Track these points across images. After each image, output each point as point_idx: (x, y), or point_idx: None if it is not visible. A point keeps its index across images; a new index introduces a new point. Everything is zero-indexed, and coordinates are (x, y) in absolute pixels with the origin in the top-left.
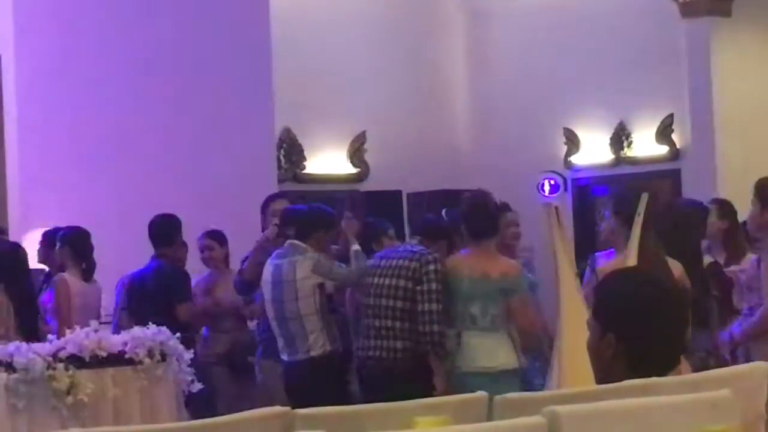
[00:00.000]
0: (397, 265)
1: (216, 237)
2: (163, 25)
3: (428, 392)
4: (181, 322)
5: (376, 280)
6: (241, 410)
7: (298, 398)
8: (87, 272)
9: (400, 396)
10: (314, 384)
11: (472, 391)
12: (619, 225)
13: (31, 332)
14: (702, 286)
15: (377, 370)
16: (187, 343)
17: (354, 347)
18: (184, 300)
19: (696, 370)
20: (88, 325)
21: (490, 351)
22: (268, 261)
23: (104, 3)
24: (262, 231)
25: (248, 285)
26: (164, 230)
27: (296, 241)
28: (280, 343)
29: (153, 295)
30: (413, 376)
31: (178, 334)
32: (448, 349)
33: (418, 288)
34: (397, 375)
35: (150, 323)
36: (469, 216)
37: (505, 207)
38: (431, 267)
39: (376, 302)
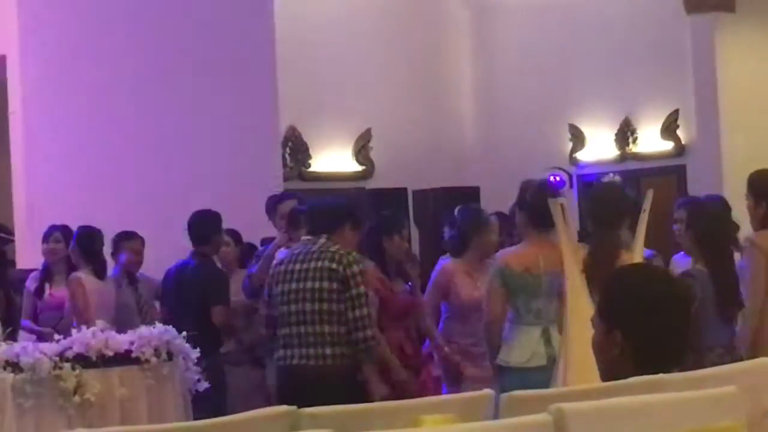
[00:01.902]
0: (316, 267)
1: (230, 235)
2: (166, 24)
3: (361, 397)
4: (215, 323)
5: (293, 285)
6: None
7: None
8: (99, 271)
9: (331, 403)
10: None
11: None
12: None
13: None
14: (729, 282)
15: (306, 379)
16: (217, 341)
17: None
18: (219, 302)
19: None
20: (106, 324)
21: None
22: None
23: (108, 3)
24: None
25: (257, 290)
26: (199, 228)
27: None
28: None
29: (189, 294)
30: (345, 382)
31: (191, 333)
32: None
33: (347, 294)
34: (328, 382)
35: (185, 321)
36: (534, 205)
37: None
38: (355, 269)
39: (299, 308)
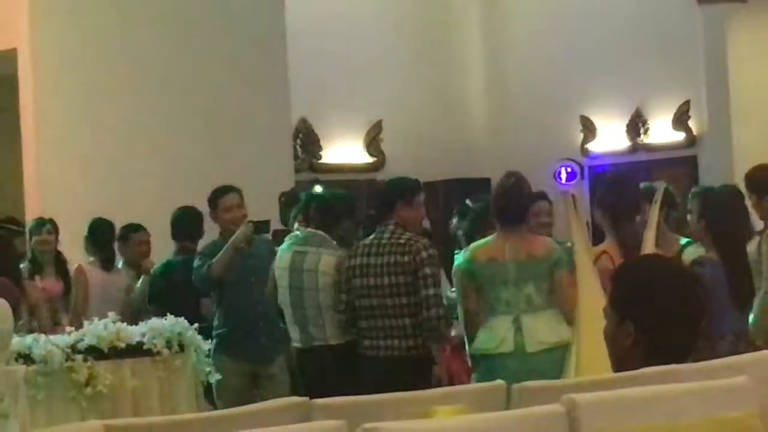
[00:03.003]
0: (389, 262)
1: None
2: (178, 16)
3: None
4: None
5: (371, 280)
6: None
7: (312, 384)
8: (107, 261)
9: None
10: (329, 371)
11: (543, 371)
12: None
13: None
14: (742, 270)
15: (392, 367)
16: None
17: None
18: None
19: (725, 355)
20: (106, 316)
21: (552, 327)
22: (285, 247)
23: None
24: (225, 227)
25: (216, 281)
26: (184, 223)
27: (321, 232)
28: (293, 331)
29: (178, 289)
30: (428, 369)
31: (196, 325)
32: (444, 335)
33: (418, 275)
34: (413, 369)
35: (175, 315)
36: (501, 202)
37: (541, 195)
38: (424, 254)
39: (381, 302)
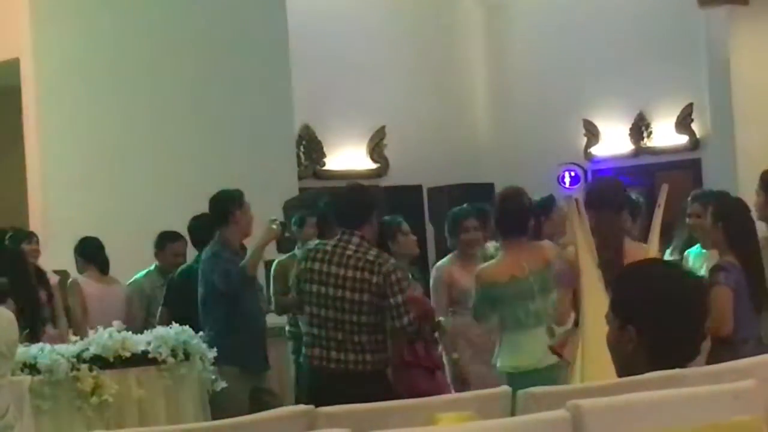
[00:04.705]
0: (354, 276)
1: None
2: (180, 23)
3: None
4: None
5: (330, 290)
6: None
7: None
8: (102, 270)
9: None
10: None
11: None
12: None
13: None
14: (760, 273)
15: (344, 379)
16: None
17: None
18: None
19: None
20: (120, 324)
21: None
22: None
23: (121, 3)
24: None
25: (251, 281)
26: (195, 231)
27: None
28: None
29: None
30: (381, 383)
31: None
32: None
33: (385, 303)
34: (365, 383)
35: (192, 320)
36: (503, 214)
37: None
38: (393, 278)
39: (337, 316)
